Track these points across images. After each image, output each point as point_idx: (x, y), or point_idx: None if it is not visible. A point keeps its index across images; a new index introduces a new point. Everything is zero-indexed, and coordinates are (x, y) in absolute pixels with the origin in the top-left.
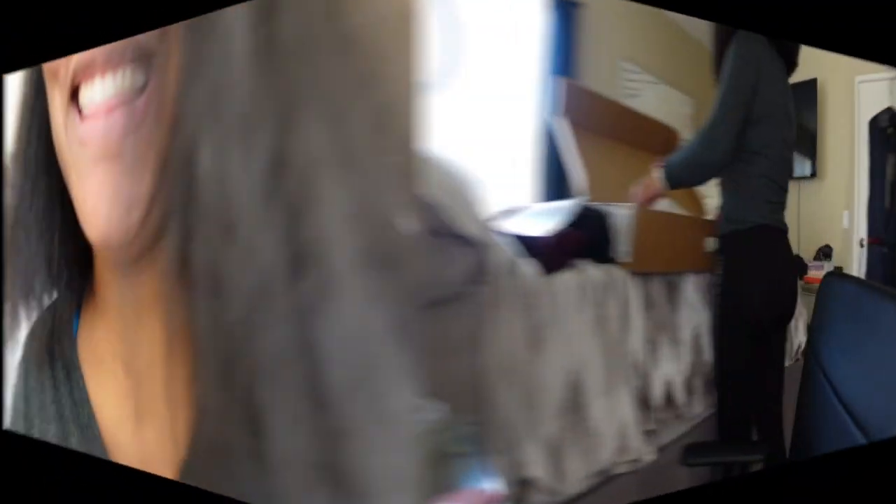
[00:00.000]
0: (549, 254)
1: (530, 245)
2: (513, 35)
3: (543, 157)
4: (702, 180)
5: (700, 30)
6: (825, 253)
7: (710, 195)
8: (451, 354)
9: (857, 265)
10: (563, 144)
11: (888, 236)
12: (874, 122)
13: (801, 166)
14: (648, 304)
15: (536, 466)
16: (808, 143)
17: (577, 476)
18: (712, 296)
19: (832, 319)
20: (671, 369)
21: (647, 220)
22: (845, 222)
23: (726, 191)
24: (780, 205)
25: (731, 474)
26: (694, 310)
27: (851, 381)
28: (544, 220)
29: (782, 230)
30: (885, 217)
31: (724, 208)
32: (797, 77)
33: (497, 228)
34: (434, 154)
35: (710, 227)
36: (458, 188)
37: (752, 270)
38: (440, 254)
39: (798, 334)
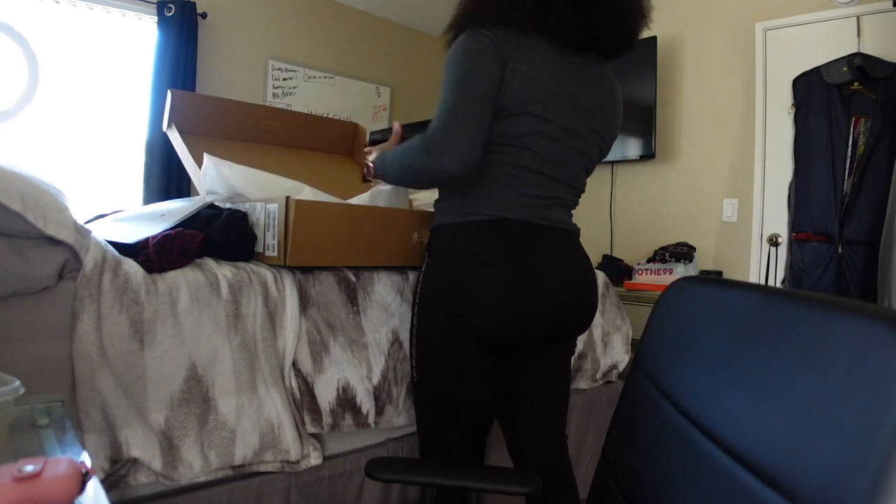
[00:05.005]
0: (157, 252)
1: (134, 246)
2: (124, 51)
3: (155, 163)
4: (417, 185)
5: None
6: (679, 254)
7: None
8: (44, 340)
9: (757, 268)
10: (178, 150)
11: (848, 230)
12: (813, 79)
13: (632, 147)
14: (312, 303)
15: (139, 449)
16: (643, 118)
17: (198, 465)
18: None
19: (685, 335)
20: (350, 374)
21: (302, 213)
22: (728, 213)
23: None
24: (547, 198)
25: (426, 496)
26: (388, 311)
27: (734, 420)
28: (156, 222)
29: (538, 226)
30: (838, 205)
31: (441, 200)
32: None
33: (93, 231)
34: (16, 170)
35: (418, 219)
36: (42, 198)
37: (459, 270)
38: (22, 253)
39: (612, 353)
